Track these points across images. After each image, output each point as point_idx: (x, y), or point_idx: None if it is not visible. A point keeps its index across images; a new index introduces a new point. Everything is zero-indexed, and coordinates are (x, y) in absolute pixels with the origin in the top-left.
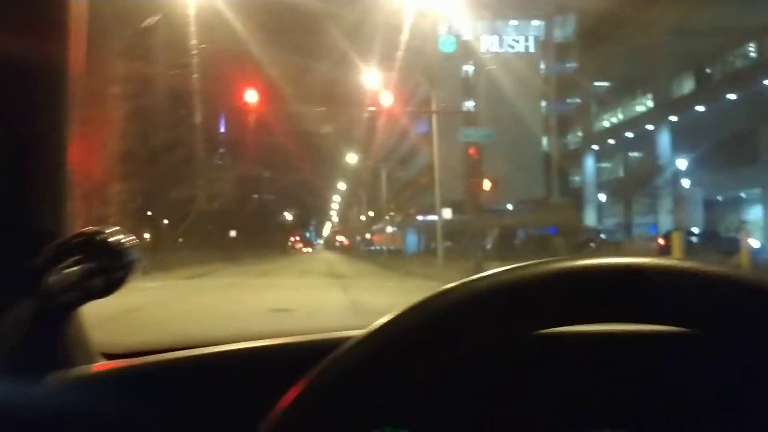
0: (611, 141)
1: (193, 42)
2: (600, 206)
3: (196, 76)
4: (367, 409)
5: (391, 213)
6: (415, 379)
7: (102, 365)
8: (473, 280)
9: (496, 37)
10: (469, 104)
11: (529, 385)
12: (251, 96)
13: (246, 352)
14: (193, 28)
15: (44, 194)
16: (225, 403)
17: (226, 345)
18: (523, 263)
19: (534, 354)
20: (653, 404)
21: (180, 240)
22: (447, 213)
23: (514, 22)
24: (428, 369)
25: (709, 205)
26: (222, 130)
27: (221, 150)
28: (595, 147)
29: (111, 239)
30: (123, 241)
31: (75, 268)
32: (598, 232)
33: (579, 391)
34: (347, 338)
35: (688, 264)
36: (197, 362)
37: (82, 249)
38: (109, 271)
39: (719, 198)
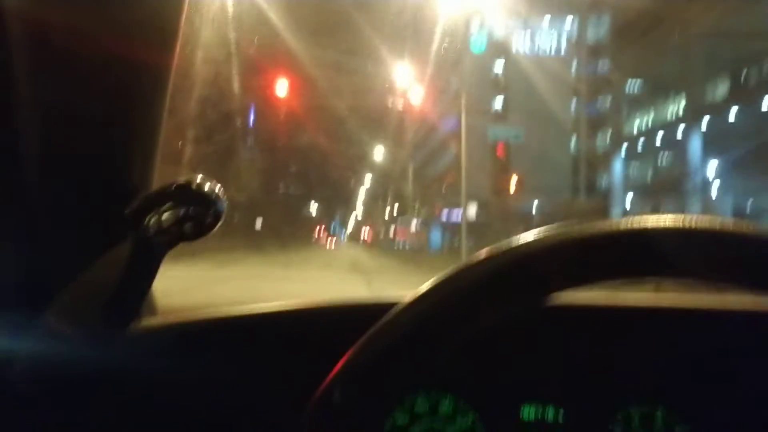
0: (641, 143)
1: (228, 33)
2: (627, 209)
3: (234, 68)
4: (412, 373)
5: (417, 209)
6: (457, 343)
7: (171, 318)
8: (503, 248)
9: (528, 36)
10: (498, 104)
11: (563, 357)
12: (282, 88)
13: (297, 313)
14: (227, 19)
15: (136, 154)
16: (277, 361)
17: (279, 305)
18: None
19: (568, 327)
20: (686, 381)
21: None
22: (472, 209)
23: (546, 21)
24: (469, 333)
25: (739, 212)
26: (251, 121)
27: (250, 141)
28: (625, 149)
29: (202, 189)
30: (213, 190)
31: (170, 213)
32: None
33: (613, 366)
34: (393, 303)
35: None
36: (259, 319)
37: (176, 197)
38: (199, 217)
39: (749, 204)
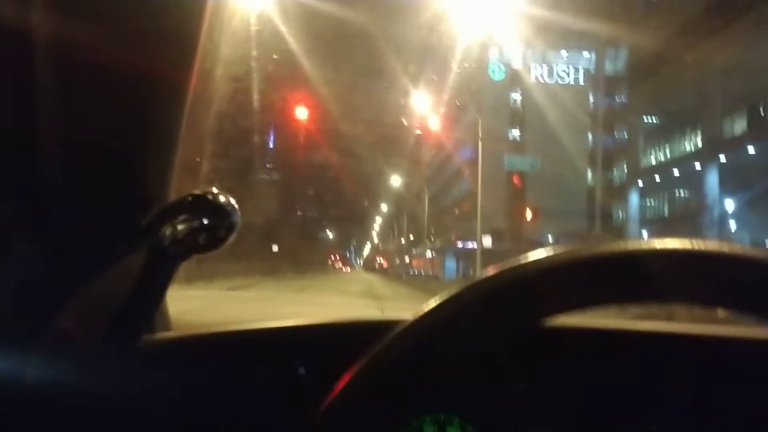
0: (657, 178)
1: (250, 56)
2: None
3: (255, 91)
4: (415, 393)
5: (432, 238)
6: (458, 364)
7: (183, 332)
8: (510, 268)
9: (546, 67)
10: (515, 132)
11: (574, 380)
12: (301, 113)
13: (306, 330)
14: (249, 43)
15: (152, 164)
16: (283, 377)
17: (290, 321)
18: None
19: (570, 350)
20: (696, 407)
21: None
22: (487, 241)
23: (564, 53)
24: (469, 353)
25: (756, 246)
26: (271, 145)
27: (269, 165)
28: (641, 183)
29: (217, 201)
30: (227, 203)
31: (185, 225)
32: None
33: (613, 387)
34: (399, 321)
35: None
36: (269, 335)
37: (191, 208)
38: (214, 229)
39: (767, 242)
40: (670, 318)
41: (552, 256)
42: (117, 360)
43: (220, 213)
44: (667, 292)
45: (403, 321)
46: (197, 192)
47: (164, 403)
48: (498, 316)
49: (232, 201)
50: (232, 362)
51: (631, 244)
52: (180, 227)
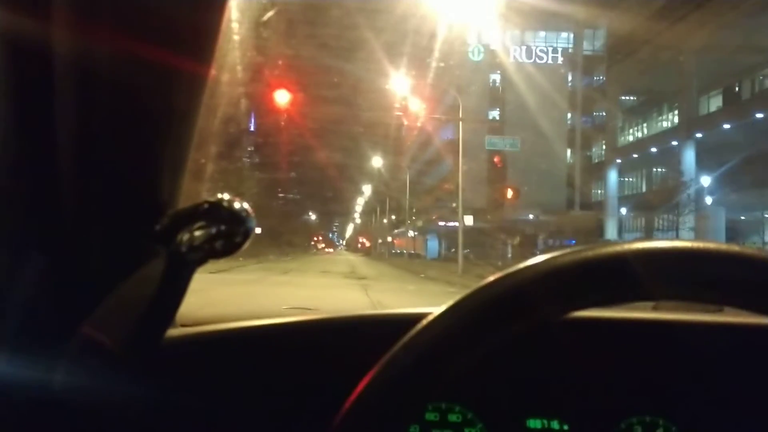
0: (635, 156)
1: (230, 39)
2: (621, 220)
3: (238, 73)
4: (435, 389)
5: (413, 217)
6: (464, 366)
7: (195, 330)
8: (529, 265)
9: (524, 48)
10: (495, 113)
11: (567, 370)
12: (282, 97)
13: (320, 324)
14: (230, 25)
15: (166, 171)
16: (299, 373)
17: (303, 316)
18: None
19: (572, 341)
20: (690, 392)
21: None
22: (469, 220)
23: (542, 34)
24: (490, 348)
25: (732, 225)
26: (252, 128)
27: (250, 148)
28: (619, 161)
29: (233, 208)
30: (242, 209)
31: (202, 232)
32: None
33: (615, 379)
34: (420, 315)
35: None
36: (278, 331)
37: (207, 215)
38: (229, 235)
39: (743, 218)
40: (655, 308)
41: (562, 255)
42: (140, 363)
43: (237, 220)
44: (658, 291)
45: (406, 317)
46: (212, 199)
47: (183, 403)
48: (507, 320)
49: (247, 207)
50: (248, 360)
51: (627, 245)
52: (197, 233)
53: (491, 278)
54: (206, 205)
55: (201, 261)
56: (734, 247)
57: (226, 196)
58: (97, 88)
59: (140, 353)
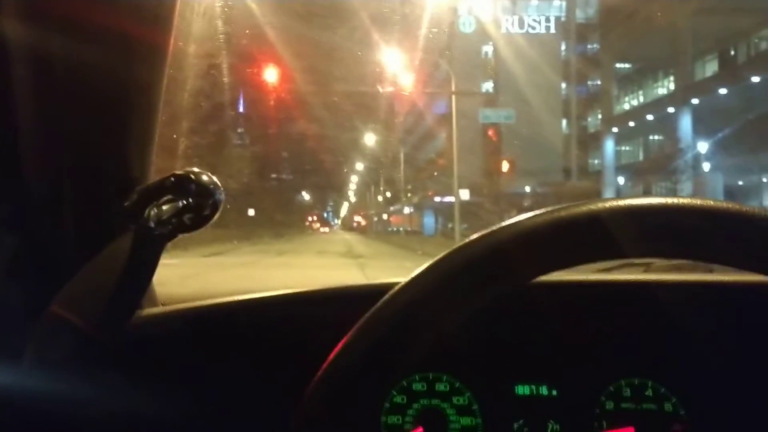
0: (632, 124)
1: (216, 18)
2: (619, 189)
3: (222, 51)
4: (403, 361)
5: (409, 194)
6: (445, 329)
7: (172, 307)
8: (498, 229)
9: (516, 18)
10: (489, 85)
11: (554, 334)
12: (271, 74)
13: (297, 297)
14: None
15: (133, 147)
16: (275, 347)
17: (280, 290)
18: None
19: (557, 305)
20: (679, 353)
21: None
22: (465, 194)
23: (534, 2)
24: (456, 319)
25: (730, 190)
26: (241, 109)
27: (240, 129)
28: (615, 130)
29: (200, 180)
30: (210, 182)
31: (169, 205)
32: None
33: (603, 342)
34: (389, 285)
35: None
36: (255, 305)
37: (174, 189)
38: (198, 208)
39: (740, 183)
40: (646, 270)
41: (534, 217)
42: (111, 341)
43: (204, 192)
44: (638, 248)
45: (392, 286)
46: (179, 172)
47: (155, 377)
48: (483, 281)
49: (215, 179)
50: (224, 336)
51: (603, 203)
52: (164, 208)
53: (467, 240)
54: (173, 179)
55: (170, 235)
56: (706, 201)
57: (195, 170)
58: (55, 62)
59: (111, 332)
